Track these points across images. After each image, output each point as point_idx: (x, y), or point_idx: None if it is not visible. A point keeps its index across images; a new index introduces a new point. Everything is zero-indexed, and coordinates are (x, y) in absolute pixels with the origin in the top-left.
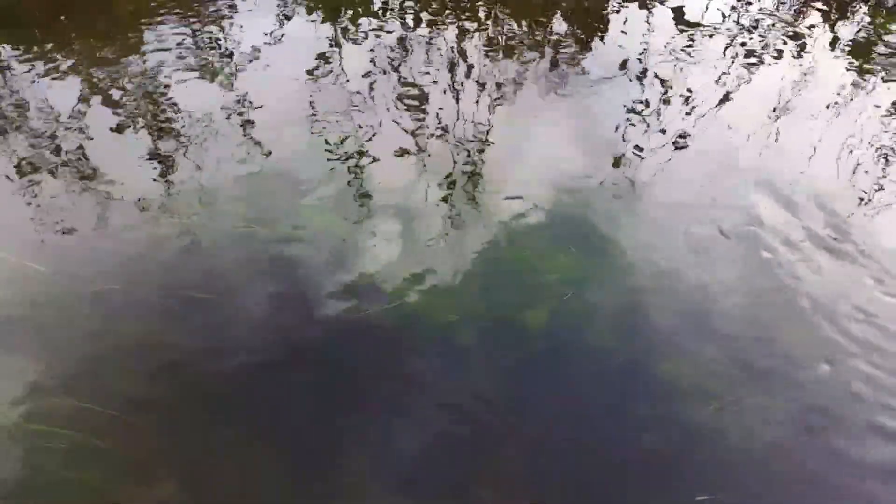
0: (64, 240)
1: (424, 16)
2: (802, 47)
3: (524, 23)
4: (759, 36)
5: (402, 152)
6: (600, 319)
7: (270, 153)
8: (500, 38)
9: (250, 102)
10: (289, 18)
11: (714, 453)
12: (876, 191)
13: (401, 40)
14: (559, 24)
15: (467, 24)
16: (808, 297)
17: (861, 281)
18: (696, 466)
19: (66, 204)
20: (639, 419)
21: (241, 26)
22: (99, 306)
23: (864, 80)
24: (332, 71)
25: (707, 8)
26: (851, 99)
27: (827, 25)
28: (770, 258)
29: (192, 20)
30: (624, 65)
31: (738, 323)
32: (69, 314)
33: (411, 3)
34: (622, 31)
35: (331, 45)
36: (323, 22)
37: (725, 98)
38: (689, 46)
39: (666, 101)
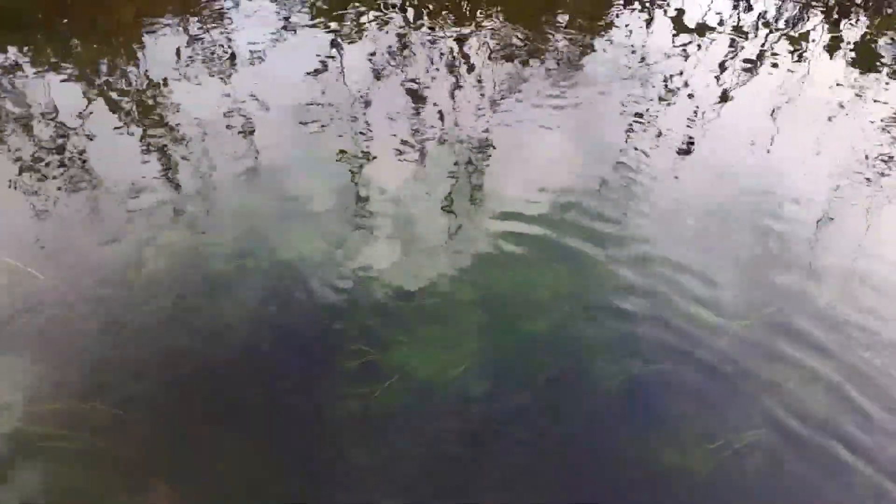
0: (61, 245)
1: (425, 17)
2: (801, 52)
3: (526, 26)
4: (760, 41)
5: (401, 162)
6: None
7: (266, 159)
8: (501, 42)
9: (249, 105)
10: (288, 21)
11: None
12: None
13: (402, 43)
14: (560, 28)
15: (468, 27)
16: None
17: None
18: None
19: (64, 208)
20: None
21: (242, 32)
22: (93, 312)
23: (862, 86)
24: (331, 74)
25: (707, 12)
26: (848, 104)
27: (826, 30)
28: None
29: (192, 23)
30: (625, 69)
31: None
32: (64, 320)
33: (412, 5)
34: (624, 34)
35: (331, 48)
36: (322, 24)
37: (725, 102)
38: (690, 51)
39: (667, 106)
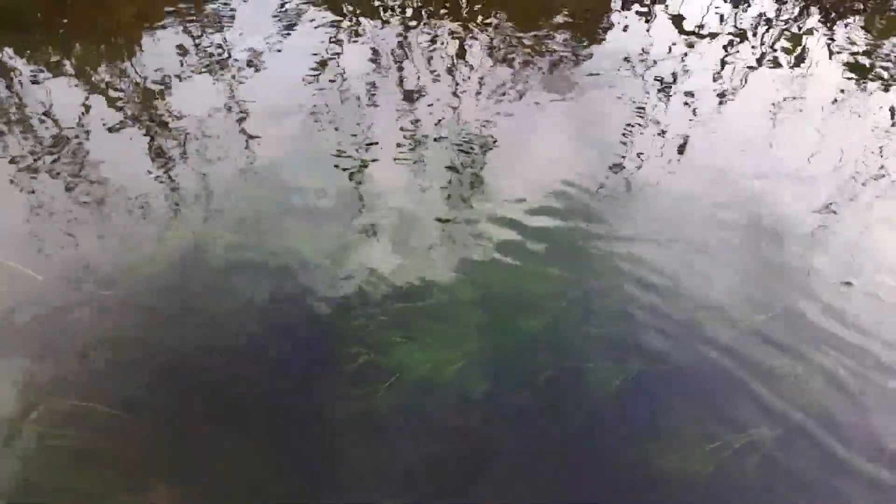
0: (59, 246)
1: (425, 17)
2: (800, 52)
3: (526, 27)
4: (759, 41)
5: (400, 161)
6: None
7: (265, 161)
8: (501, 41)
9: (248, 104)
10: (288, 21)
11: None
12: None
13: (401, 41)
14: (559, 28)
15: (467, 27)
16: None
17: None
18: None
19: (62, 208)
20: None
21: (241, 32)
22: (92, 313)
23: (862, 86)
24: (332, 73)
25: (707, 13)
26: (848, 105)
27: (825, 31)
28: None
29: (192, 23)
30: (624, 68)
31: None
32: (63, 320)
33: (412, 5)
34: (624, 34)
35: (331, 46)
36: (322, 24)
37: (723, 103)
38: (689, 51)
39: (667, 106)
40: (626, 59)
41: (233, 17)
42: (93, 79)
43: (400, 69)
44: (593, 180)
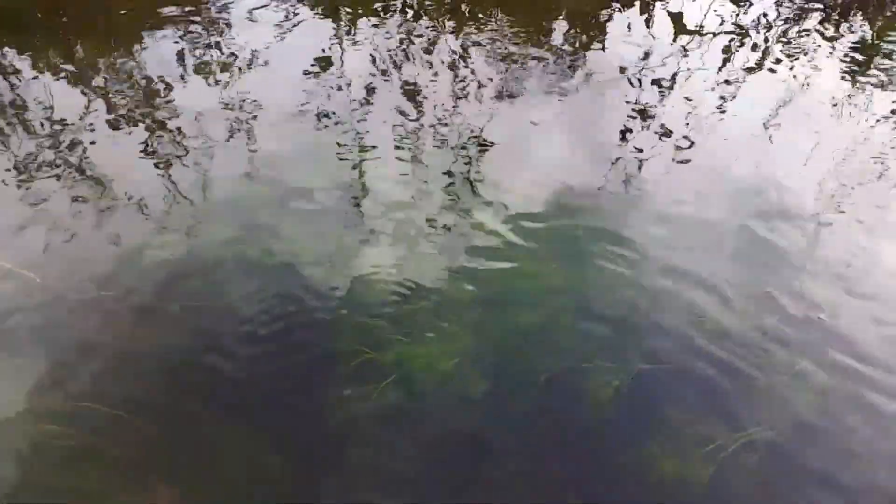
0: (57, 247)
1: (424, 17)
2: (800, 53)
3: (525, 26)
4: (759, 42)
5: (399, 161)
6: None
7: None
8: (500, 41)
9: (248, 104)
10: (288, 21)
11: None
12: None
13: (401, 42)
14: (558, 29)
15: (467, 28)
16: None
17: None
18: None
19: (60, 209)
20: None
21: (240, 32)
22: (92, 313)
23: (863, 88)
24: (330, 74)
25: (707, 13)
26: (848, 106)
27: (826, 32)
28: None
29: (192, 22)
30: (623, 69)
31: None
32: (62, 320)
33: (411, 6)
34: (623, 34)
35: (331, 46)
36: (322, 25)
37: (723, 104)
38: (689, 52)
39: (666, 107)
40: (626, 59)
41: (232, 17)
42: (92, 78)
43: (399, 69)
44: (592, 180)
